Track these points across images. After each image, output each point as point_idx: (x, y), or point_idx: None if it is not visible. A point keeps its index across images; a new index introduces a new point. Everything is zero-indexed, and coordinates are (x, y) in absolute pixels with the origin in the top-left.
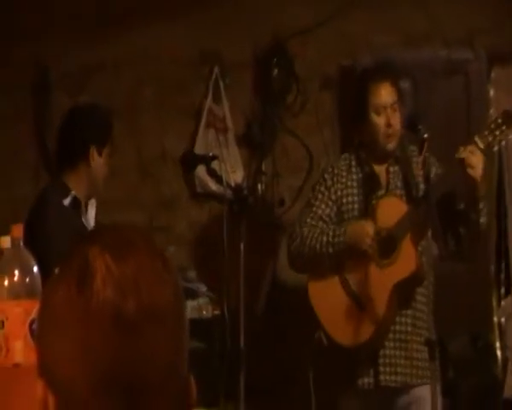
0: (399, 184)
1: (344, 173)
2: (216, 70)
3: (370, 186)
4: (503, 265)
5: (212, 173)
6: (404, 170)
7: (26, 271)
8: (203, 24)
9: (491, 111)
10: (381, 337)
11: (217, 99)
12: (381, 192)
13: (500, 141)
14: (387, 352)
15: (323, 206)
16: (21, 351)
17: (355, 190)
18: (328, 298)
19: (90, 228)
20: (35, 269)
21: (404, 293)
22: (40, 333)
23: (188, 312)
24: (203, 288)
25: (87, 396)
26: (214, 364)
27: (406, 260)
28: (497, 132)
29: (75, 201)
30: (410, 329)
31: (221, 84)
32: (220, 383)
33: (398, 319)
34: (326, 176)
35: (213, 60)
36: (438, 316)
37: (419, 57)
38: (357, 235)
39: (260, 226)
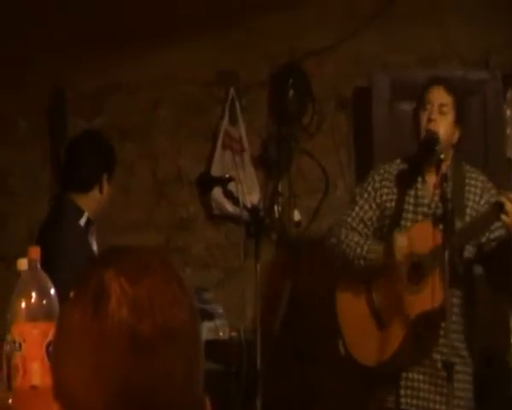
0: (440, 205)
1: (393, 178)
2: (232, 91)
3: (414, 198)
4: None
5: (229, 195)
6: (455, 191)
7: (43, 293)
8: (219, 45)
9: (508, 131)
10: (395, 361)
11: (233, 120)
12: (423, 209)
13: None
14: (410, 375)
15: (367, 207)
16: (38, 373)
17: (400, 198)
18: (352, 311)
19: (95, 249)
20: (52, 291)
21: (424, 323)
22: (56, 356)
23: (204, 333)
24: (220, 309)
25: None
26: (231, 385)
27: (432, 294)
28: None
29: (89, 221)
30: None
31: (237, 105)
32: (237, 405)
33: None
34: (376, 177)
35: (229, 81)
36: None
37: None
38: (393, 247)
39: (277, 247)
